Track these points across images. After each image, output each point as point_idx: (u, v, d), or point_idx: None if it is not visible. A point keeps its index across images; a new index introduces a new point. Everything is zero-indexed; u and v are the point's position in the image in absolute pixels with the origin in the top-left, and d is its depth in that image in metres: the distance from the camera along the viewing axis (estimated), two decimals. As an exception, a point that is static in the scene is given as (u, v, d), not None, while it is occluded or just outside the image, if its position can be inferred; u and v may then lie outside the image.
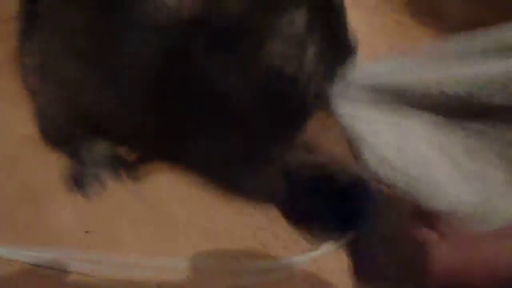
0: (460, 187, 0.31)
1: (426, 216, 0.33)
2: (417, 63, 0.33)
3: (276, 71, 0.34)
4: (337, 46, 0.34)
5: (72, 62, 0.45)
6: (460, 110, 0.31)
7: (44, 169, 0.52)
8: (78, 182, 0.50)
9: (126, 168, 0.51)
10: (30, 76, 0.49)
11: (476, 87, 0.30)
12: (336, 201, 0.43)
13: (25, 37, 0.49)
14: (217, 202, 0.50)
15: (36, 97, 0.51)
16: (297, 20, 0.33)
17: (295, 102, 0.35)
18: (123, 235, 0.48)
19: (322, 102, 0.34)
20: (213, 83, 0.36)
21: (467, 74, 0.30)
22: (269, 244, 0.48)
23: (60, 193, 0.50)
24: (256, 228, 0.49)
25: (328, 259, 0.46)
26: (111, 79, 0.43)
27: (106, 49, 0.42)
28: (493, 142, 0.31)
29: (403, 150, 0.31)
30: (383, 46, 0.67)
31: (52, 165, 0.52)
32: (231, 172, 0.46)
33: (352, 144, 0.33)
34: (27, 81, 0.50)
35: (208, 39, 0.34)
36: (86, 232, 0.47)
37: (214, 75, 0.35)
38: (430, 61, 0.32)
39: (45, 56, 0.47)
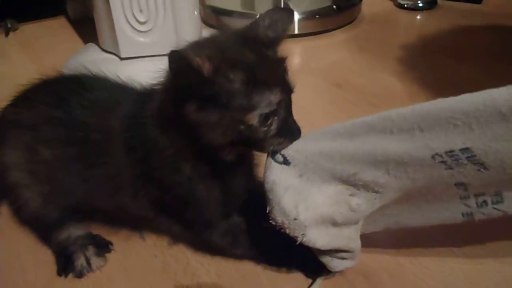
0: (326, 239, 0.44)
1: None
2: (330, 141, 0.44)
3: (248, 135, 0.42)
4: (289, 124, 0.44)
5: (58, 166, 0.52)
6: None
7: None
8: (68, 264, 0.53)
9: (100, 243, 0.56)
10: (14, 172, 0.53)
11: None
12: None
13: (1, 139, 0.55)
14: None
15: (19, 191, 0.54)
16: (273, 99, 0.41)
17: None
18: None
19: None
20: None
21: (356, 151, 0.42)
22: None
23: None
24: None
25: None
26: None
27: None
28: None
29: (299, 208, 0.43)
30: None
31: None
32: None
33: (267, 199, 0.44)
34: (10, 176, 0.54)
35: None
36: None
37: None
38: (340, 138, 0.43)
39: (29, 156, 0.53)
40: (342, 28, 1.17)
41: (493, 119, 0.37)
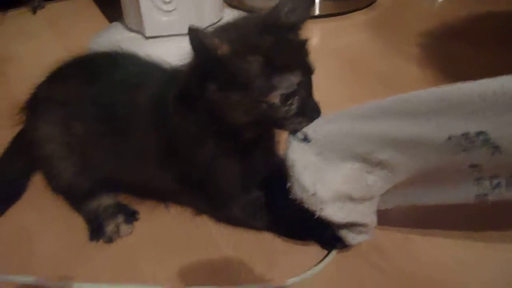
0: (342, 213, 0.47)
1: None
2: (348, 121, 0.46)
3: (269, 114, 0.45)
4: (309, 104, 0.46)
5: (90, 140, 0.55)
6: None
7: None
8: (99, 231, 0.57)
9: (128, 212, 0.59)
10: (48, 145, 0.56)
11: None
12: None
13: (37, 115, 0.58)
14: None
15: (52, 163, 0.57)
16: (294, 80, 0.44)
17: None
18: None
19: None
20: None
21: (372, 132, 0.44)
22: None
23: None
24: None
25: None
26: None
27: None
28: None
29: (317, 185, 0.45)
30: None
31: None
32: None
33: (288, 176, 0.47)
34: (44, 149, 0.57)
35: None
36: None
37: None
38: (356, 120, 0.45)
39: (62, 130, 0.56)
40: (362, 11, 1.17)
41: (509, 105, 0.38)
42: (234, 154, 0.50)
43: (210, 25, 0.93)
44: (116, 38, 0.94)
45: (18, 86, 0.62)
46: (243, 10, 1.15)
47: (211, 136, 0.49)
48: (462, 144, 0.41)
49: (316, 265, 0.51)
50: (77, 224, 0.58)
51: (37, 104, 0.59)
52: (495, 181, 0.44)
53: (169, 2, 0.86)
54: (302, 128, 0.46)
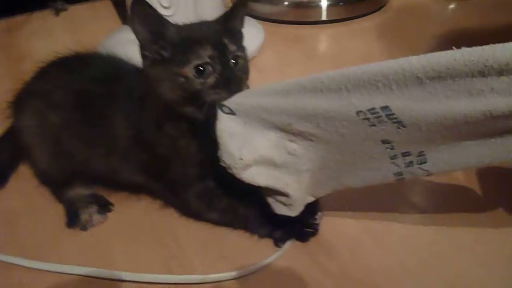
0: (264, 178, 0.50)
1: None
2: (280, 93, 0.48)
3: (188, 88, 0.50)
4: (228, 77, 0.50)
5: (64, 129, 0.60)
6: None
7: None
8: (74, 218, 0.61)
9: (102, 203, 0.64)
10: (28, 134, 0.63)
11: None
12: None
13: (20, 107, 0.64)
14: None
15: (32, 151, 0.64)
16: (203, 53, 0.50)
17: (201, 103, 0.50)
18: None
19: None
20: None
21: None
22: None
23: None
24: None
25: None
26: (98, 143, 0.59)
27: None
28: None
29: (243, 150, 0.48)
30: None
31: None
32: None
33: (218, 145, 0.49)
34: (25, 138, 0.63)
35: None
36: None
37: None
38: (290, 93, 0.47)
39: (40, 120, 0.61)
40: (369, 16, 1.18)
41: (410, 82, 0.42)
42: (191, 136, 0.54)
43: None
44: (121, 39, 0.99)
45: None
46: (249, 15, 1.17)
47: (168, 117, 0.53)
48: (370, 119, 0.45)
49: (264, 260, 0.54)
50: (59, 211, 0.63)
51: (20, 98, 0.65)
52: (407, 159, 0.48)
53: (168, 8, 0.90)
54: (222, 99, 0.49)
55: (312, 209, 0.56)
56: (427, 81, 0.41)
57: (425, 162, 0.48)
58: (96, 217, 0.61)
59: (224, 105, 0.49)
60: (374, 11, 1.19)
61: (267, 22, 1.15)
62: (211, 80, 0.49)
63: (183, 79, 0.49)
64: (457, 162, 0.47)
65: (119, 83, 0.59)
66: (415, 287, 0.51)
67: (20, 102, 0.64)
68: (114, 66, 0.63)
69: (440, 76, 0.41)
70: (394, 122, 0.44)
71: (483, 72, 0.40)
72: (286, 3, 1.15)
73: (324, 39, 1.13)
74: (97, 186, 0.66)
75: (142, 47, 0.51)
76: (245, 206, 0.57)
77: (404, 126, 0.44)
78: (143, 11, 0.49)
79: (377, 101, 0.44)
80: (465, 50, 0.41)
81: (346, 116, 0.45)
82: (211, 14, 0.95)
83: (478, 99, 0.41)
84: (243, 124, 0.49)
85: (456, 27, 1.09)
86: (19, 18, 1.27)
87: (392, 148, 0.47)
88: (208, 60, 0.49)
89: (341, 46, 1.08)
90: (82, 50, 0.67)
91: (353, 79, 0.44)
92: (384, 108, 0.44)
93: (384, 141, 0.47)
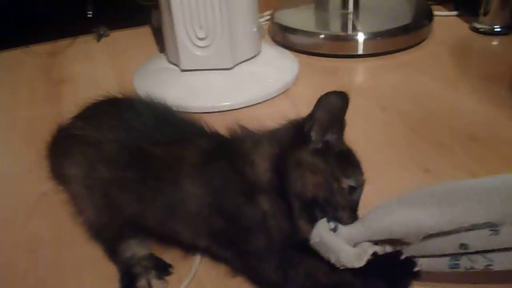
0: None
1: None
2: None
3: (334, 196, 0.50)
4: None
5: (115, 184, 0.57)
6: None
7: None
8: (130, 283, 0.56)
9: (161, 266, 0.58)
10: (74, 183, 0.60)
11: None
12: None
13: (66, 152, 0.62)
14: None
15: (79, 201, 0.61)
16: (361, 178, 0.52)
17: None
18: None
19: None
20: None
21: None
22: None
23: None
24: None
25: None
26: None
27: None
28: None
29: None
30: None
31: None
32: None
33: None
34: (71, 186, 0.61)
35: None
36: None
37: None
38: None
39: (88, 170, 0.59)
40: (408, 50, 1.15)
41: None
42: (282, 214, 0.51)
43: (245, 60, 0.97)
44: (157, 68, 1.01)
45: (70, 107, 0.69)
46: (286, 46, 1.18)
47: (266, 190, 0.51)
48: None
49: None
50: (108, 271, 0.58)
51: (67, 141, 0.64)
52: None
53: (204, 39, 0.91)
54: (345, 220, 0.49)
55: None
56: None
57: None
58: (156, 283, 0.56)
59: (332, 220, 0.49)
60: (414, 46, 1.17)
61: (302, 54, 1.15)
62: (353, 203, 0.51)
63: (336, 186, 0.49)
64: None
65: (185, 145, 0.56)
66: None
67: (65, 145, 0.63)
68: (173, 123, 0.60)
69: None
70: (491, 230, 0.44)
71: None
72: (322, 36, 1.14)
73: (360, 73, 1.11)
74: (153, 243, 0.60)
75: (311, 130, 0.51)
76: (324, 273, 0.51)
77: (497, 232, 0.44)
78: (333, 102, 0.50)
79: (479, 216, 0.43)
80: None
81: (446, 231, 0.45)
82: (246, 47, 0.97)
83: None
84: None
85: (500, 64, 1.05)
86: (63, 42, 1.32)
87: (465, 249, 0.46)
88: (360, 184, 0.51)
89: (377, 79, 1.06)
90: (132, 94, 0.67)
91: (457, 193, 0.45)
92: (486, 223, 0.43)
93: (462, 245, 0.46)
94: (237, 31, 0.93)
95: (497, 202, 0.42)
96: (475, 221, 0.43)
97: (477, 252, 0.45)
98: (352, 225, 0.48)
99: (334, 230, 0.47)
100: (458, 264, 0.47)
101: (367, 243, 0.47)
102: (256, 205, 0.50)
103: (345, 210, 0.49)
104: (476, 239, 0.44)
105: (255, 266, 0.52)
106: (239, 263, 0.54)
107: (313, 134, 0.51)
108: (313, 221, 0.49)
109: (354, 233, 0.47)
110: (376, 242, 0.48)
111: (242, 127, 0.57)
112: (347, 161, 0.52)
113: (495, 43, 1.18)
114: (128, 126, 0.59)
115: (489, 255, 0.45)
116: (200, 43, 0.91)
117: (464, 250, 0.45)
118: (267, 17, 1.32)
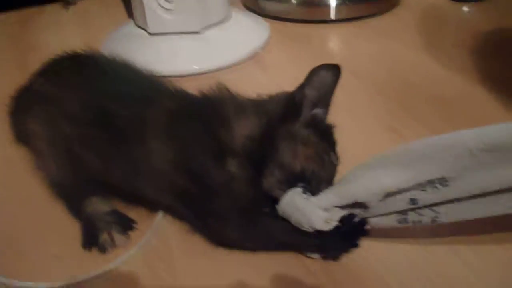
0: None
1: None
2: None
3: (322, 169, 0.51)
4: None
5: (79, 141, 0.56)
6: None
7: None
8: (91, 238, 0.56)
9: (124, 221, 0.58)
10: (37, 140, 0.59)
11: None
12: None
13: (28, 108, 0.61)
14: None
15: (41, 158, 0.59)
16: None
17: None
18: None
19: None
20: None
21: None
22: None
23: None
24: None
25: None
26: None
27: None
28: None
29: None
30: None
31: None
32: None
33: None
34: (33, 142, 0.60)
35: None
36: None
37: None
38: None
39: (50, 127, 0.57)
40: (380, 16, 1.15)
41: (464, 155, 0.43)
42: (249, 178, 0.51)
43: (214, 24, 0.96)
44: (126, 33, 0.99)
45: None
46: (257, 12, 1.17)
47: (237, 154, 0.51)
48: (425, 185, 0.46)
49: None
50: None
51: (29, 98, 0.62)
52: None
53: (171, 1, 0.89)
54: (319, 189, 0.50)
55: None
56: (478, 153, 0.42)
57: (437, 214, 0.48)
58: (118, 238, 0.55)
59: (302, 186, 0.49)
60: (385, 11, 1.17)
61: (274, 20, 1.14)
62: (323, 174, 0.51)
63: (327, 159, 0.51)
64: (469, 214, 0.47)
65: (154, 106, 0.54)
66: None
67: (27, 101, 0.61)
68: (140, 83, 0.59)
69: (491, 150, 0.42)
70: (442, 184, 0.45)
71: None
72: (293, 1, 1.13)
73: (332, 39, 1.11)
74: (117, 201, 0.60)
75: (303, 102, 0.51)
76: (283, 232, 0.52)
77: (446, 184, 0.45)
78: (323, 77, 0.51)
79: (435, 172, 0.45)
80: None
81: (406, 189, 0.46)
82: (216, 11, 0.96)
83: None
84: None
85: (469, 30, 1.06)
86: (30, 11, 1.29)
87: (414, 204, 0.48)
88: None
89: (349, 46, 1.06)
90: (95, 51, 0.65)
91: (416, 154, 0.45)
92: (441, 179, 0.45)
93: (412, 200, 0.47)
94: (206, -6, 0.92)
95: (449, 158, 0.44)
96: (431, 177, 0.45)
97: (424, 206, 0.47)
98: (322, 192, 0.50)
99: (305, 197, 0.49)
100: (406, 218, 0.48)
101: (336, 208, 0.49)
102: (223, 166, 0.50)
103: (327, 184, 0.50)
104: (426, 193, 0.46)
105: (215, 225, 0.53)
106: (200, 222, 0.54)
107: (304, 107, 0.51)
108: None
109: (323, 200, 0.49)
110: (342, 207, 0.49)
111: (224, 90, 0.56)
112: (333, 136, 0.53)
113: (466, 9, 1.18)
114: (91, 83, 0.58)
115: (436, 208, 0.47)
116: (168, 6, 0.90)
117: (413, 205, 0.47)
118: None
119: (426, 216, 0.48)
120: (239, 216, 0.51)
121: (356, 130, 0.72)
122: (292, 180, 0.49)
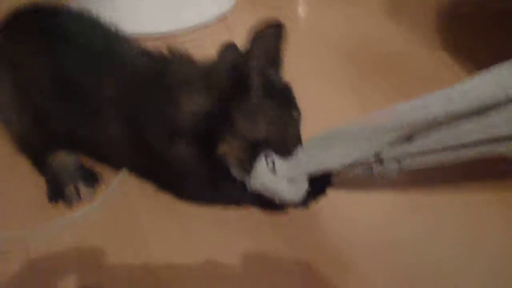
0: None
1: None
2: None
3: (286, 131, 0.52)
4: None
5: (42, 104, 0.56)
6: None
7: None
8: (57, 191, 0.57)
9: (89, 175, 0.60)
10: (1, 96, 0.58)
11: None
12: None
13: None
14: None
15: (4, 112, 0.59)
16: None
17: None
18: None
19: None
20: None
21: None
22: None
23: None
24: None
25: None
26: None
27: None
28: None
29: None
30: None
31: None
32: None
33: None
34: None
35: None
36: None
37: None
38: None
39: (13, 86, 0.57)
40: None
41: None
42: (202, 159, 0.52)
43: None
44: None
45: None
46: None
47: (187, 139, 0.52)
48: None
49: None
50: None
51: None
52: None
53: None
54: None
55: None
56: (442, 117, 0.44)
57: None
58: (84, 191, 0.57)
59: (270, 158, 0.50)
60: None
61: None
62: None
63: (289, 120, 0.51)
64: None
65: (110, 74, 0.54)
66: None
67: None
68: (101, 46, 0.57)
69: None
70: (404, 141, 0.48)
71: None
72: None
73: (300, 3, 1.12)
74: (82, 156, 0.61)
75: (256, 74, 0.49)
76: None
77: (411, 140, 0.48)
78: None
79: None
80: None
81: (365, 159, 0.49)
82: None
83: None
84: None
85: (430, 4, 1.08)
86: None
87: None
88: (300, 117, 0.53)
89: (317, 12, 1.07)
90: (60, 5, 0.62)
91: (378, 128, 0.47)
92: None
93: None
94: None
95: (405, 125, 0.46)
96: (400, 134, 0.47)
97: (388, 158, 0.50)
98: (288, 161, 0.51)
99: (273, 169, 0.50)
100: (371, 169, 0.51)
101: (303, 178, 0.51)
102: (172, 148, 0.52)
103: (296, 144, 0.51)
104: (390, 148, 0.48)
105: (172, 192, 0.57)
106: (158, 186, 0.58)
107: (254, 75, 0.49)
108: (252, 162, 0.51)
109: (290, 169, 0.51)
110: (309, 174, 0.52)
111: (174, 54, 0.55)
112: (290, 93, 0.52)
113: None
114: (52, 47, 0.56)
115: (400, 159, 0.50)
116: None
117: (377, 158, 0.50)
118: None
119: (390, 166, 0.51)
120: (192, 187, 0.55)
121: (323, 92, 0.76)
122: (253, 150, 0.50)
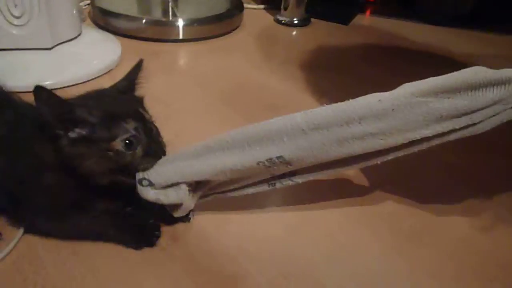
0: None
1: None
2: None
3: (118, 160, 0.53)
4: (154, 146, 0.55)
5: None
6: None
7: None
8: None
9: None
10: None
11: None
12: None
13: None
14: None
15: None
16: (128, 127, 0.53)
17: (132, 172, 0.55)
18: None
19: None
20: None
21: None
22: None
23: None
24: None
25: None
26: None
27: None
28: None
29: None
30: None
31: None
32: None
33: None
34: None
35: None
36: None
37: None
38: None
39: None
40: (223, 36, 1.29)
41: (297, 134, 0.54)
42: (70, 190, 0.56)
43: (66, 41, 0.99)
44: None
45: None
46: (109, 30, 1.22)
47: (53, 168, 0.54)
48: (266, 164, 0.56)
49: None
50: None
51: None
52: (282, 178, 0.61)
53: (19, 17, 0.90)
54: (151, 167, 0.55)
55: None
56: (309, 132, 0.54)
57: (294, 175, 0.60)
58: None
59: (144, 178, 0.54)
60: (227, 33, 1.31)
61: (126, 38, 1.20)
62: (139, 151, 0.54)
63: (112, 154, 0.52)
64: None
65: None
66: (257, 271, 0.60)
67: None
68: None
69: (318, 127, 0.54)
70: (284, 164, 0.56)
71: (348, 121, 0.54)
72: (144, 21, 1.21)
73: (181, 55, 1.21)
74: None
75: (53, 127, 0.51)
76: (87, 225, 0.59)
77: (290, 165, 0.56)
78: (48, 100, 0.50)
79: (273, 152, 0.55)
80: (336, 105, 0.54)
81: (249, 166, 0.56)
82: (66, 28, 0.98)
83: (345, 145, 0.55)
84: (161, 189, 0.56)
85: (297, 50, 1.25)
86: None
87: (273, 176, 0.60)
88: (134, 132, 0.53)
89: (198, 62, 1.17)
90: None
91: (253, 136, 0.55)
92: (279, 157, 0.55)
93: (272, 174, 0.58)
94: (55, 11, 0.94)
95: (285, 138, 0.54)
96: (270, 156, 0.55)
97: (284, 176, 0.60)
98: (163, 168, 0.56)
99: (150, 184, 0.55)
100: (274, 184, 0.61)
101: (183, 187, 0.57)
102: (41, 181, 0.55)
103: (142, 160, 0.54)
104: (278, 169, 0.57)
105: (32, 220, 0.60)
106: (19, 215, 0.60)
107: (57, 127, 0.52)
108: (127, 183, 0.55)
109: (167, 177, 0.56)
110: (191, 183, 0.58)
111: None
112: (109, 122, 0.52)
113: (294, 33, 1.39)
114: None
115: (293, 178, 0.60)
116: (16, 22, 0.90)
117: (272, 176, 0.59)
118: (87, 1, 1.34)
119: (288, 182, 0.60)
120: (51, 213, 0.58)
121: (195, 124, 0.86)
122: (113, 178, 0.55)
